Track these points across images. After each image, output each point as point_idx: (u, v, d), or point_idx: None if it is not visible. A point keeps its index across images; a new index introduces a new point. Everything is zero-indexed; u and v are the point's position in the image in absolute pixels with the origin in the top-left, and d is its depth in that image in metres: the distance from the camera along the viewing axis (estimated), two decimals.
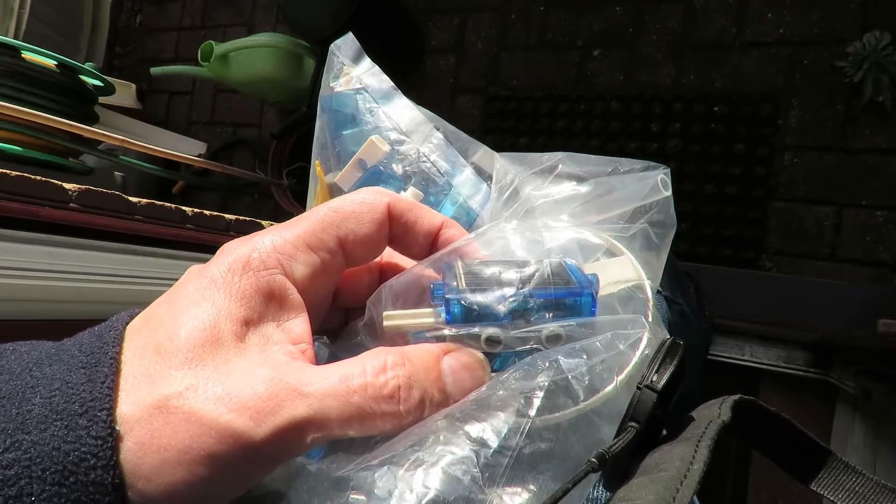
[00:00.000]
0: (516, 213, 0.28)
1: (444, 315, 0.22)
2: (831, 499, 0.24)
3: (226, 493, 0.19)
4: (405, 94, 0.40)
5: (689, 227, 1.24)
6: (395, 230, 0.24)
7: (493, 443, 0.19)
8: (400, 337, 0.23)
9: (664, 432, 0.24)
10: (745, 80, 1.23)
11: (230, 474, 0.18)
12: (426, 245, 0.25)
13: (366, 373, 0.20)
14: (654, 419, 0.21)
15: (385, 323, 0.23)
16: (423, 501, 0.18)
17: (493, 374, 0.22)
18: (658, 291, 0.35)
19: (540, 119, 1.40)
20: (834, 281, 1.11)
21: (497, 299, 0.22)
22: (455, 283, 0.22)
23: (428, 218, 0.25)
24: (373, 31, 1.40)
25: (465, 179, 0.37)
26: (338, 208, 0.23)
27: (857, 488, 0.24)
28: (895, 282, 1.09)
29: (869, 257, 1.11)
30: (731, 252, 1.21)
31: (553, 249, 0.26)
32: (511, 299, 0.22)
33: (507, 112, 1.43)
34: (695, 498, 0.18)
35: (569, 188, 0.28)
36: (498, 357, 0.22)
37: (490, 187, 0.33)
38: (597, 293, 0.23)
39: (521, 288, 0.22)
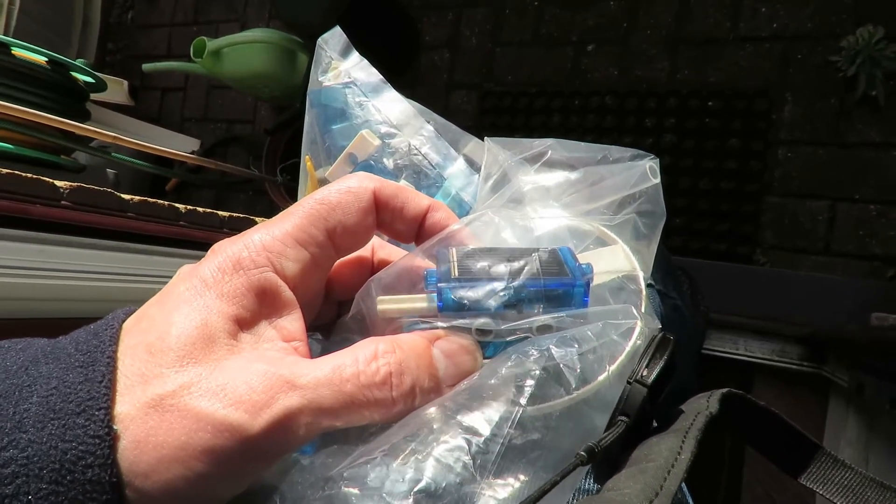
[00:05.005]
0: (503, 198, 0.28)
1: (436, 302, 0.22)
2: (821, 493, 0.24)
3: (224, 490, 0.19)
4: (399, 91, 0.40)
5: (683, 223, 1.24)
6: (383, 216, 0.24)
7: (485, 431, 0.19)
8: (391, 329, 0.23)
9: (654, 425, 0.24)
10: (740, 75, 1.23)
11: (227, 469, 0.18)
12: (413, 229, 0.25)
13: (357, 361, 0.20)
14: (643, 413, 0.21)
15: (379, 308, 0.23)
16: (415, 489, 0.18)
17: (486, 361, 0.22)
18: (650, 285, 0.35)
19: (534, 115, 1.39)
20: (828, 275, 1.12)
21: (489, 291, 0.22)
22: (448, 271, 0.22)
23: (415, 202, 0.24)
24: (367, 27, 1.40)
25: (456, 171, 0.37)
26: (323, 200, 0.23)
27: (846, 483, 0.24)
28: (888, 276, 1.09)
29: (862, 251, 1.12)
30: (726, 247, 1.21)
31: (544, 237, 0.26)
32: (502, 292, 0.22)
33: (501, 108, 1.43)
34: (683, 486, 0.18)
35: (558, 176, 0.28)
36: (490, 344, 0.22)
37: None
38: (590, 283, 0.23)
39: (514, 280, 0.22)
